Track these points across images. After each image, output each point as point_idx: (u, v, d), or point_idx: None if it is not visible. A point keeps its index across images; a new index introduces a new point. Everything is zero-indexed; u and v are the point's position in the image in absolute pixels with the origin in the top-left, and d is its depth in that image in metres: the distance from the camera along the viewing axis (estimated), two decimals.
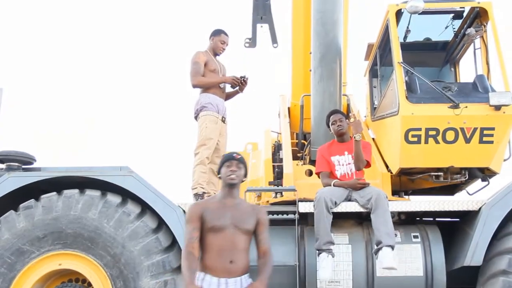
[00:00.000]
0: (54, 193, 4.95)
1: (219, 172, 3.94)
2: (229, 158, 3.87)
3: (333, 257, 4.80)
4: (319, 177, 5.42)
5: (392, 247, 4.65)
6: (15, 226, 4.81)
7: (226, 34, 6.11)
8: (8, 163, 5.31)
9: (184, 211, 4.95)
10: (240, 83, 6.02)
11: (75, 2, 19.25)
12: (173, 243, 4.88)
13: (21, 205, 4.91)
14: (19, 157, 5.30)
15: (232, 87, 6.13)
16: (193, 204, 3.90)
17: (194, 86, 5.90)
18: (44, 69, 19.53)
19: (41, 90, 19.02)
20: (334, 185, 5.15)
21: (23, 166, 5.33)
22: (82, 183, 5.04)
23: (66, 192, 4.94)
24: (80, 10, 19.72)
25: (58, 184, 5.04)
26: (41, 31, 19.83)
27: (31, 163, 5.40)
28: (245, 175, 3.94)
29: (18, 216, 4.85)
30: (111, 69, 20.35)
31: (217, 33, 6.09)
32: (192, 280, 3.56)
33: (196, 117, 5.94)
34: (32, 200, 4.92)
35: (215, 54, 6.09)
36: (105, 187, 5.00)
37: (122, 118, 19.38)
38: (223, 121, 5.94)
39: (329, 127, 5.46)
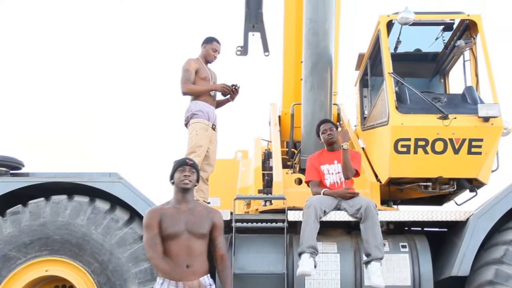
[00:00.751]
0: (42, 198, 4.92)
1: (172, 178, 4.02)
2: (182, 164, 3.97)
3: (315, 262, 4.72)
4: (308, 186, 5.43)
5: (381, 259, 4.73)
6: (2, 231, 4.78)
7: (218, 42, 6.11)
8: None
9: None
10: (231, 92, 6.02)
11: (71, 5, 19.29)
12: None
13: (8, 211, 4.88)
14: (6, 162, 5.25)
15: (223, 95, 6.13)
16: (150, 210, 3.96)
17: (184, 93, 5.89)
18: (31, 72, 19.50)
19: (33, 94, 19.02)
20: (323, 194, 5.16)
21: (11, 171, 5.28)
22: (71, 189, 5.01)
23: (54, 198, 4.92)
24: (74, 13, 19.70)
25: (46, 189, 5.01)
26: (36, 35, 19.82)
27: (19, 168, 5.35)
28: (197, 180, 4.05)
29: (5, 221, 4.82)
30: (104, 73, 20.30)
31: (209, 41, 6.09)
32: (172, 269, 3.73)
33: (186, 124, 5.93)
34: (20, 205, 4.89)
35: (207, 61, 6.09)
36: (94, 193, 4.98)
37: (113, 125, 19.37)
38: (213, 128, 5.93)
39: (319, 136, 5.48)
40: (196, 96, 5.90)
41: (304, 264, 4.68)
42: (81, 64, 19.34)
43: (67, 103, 18.77)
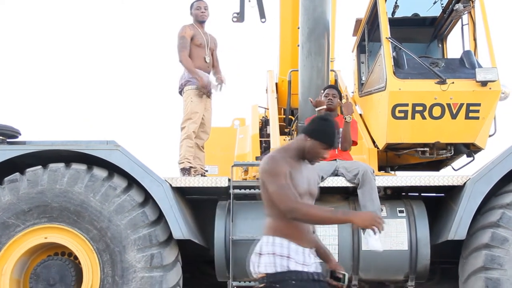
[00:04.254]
0: (40, 166, 4.90)
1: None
2: None
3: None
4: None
5: None
6: (0, 199, 4.78)
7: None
8: None
9: (171, 186, 4.94)
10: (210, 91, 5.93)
11: (72, 5, 19.14)
12: (160, 217, 4.87)
13: (5, 179, 4.86)
14: (3, 131, 5.21)
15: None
16: (280, 159, 3.13)
17: (181, 61, 5.86)
18: (31, 71, 19.44)
19: (33, 92, 19.00)
20: None
21: (8, 140, 5.26)
22: (68, 157, 5.00)
23: (52, 165, 4.90)
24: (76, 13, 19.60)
25: (44, 158, 5.00)
26: (37, 33, 19.74)
27: (16, 137, 5.32)
28: None
29: (3, 189, 4.81)
30: (95, 48, 20.19)
31: (192, 3, 6.06)
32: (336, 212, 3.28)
33: (180, 92, 5.91)
34: (17, 173, 4.88)
35: (201, 22, 6.03)
36: (92, 161, 4.97)
37: (106, 91, 19.36)
38: (208, 95, 5.91)
39: None
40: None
41: None
42: (81, 55, 19.38)
43: (67, 96, 18.85)
